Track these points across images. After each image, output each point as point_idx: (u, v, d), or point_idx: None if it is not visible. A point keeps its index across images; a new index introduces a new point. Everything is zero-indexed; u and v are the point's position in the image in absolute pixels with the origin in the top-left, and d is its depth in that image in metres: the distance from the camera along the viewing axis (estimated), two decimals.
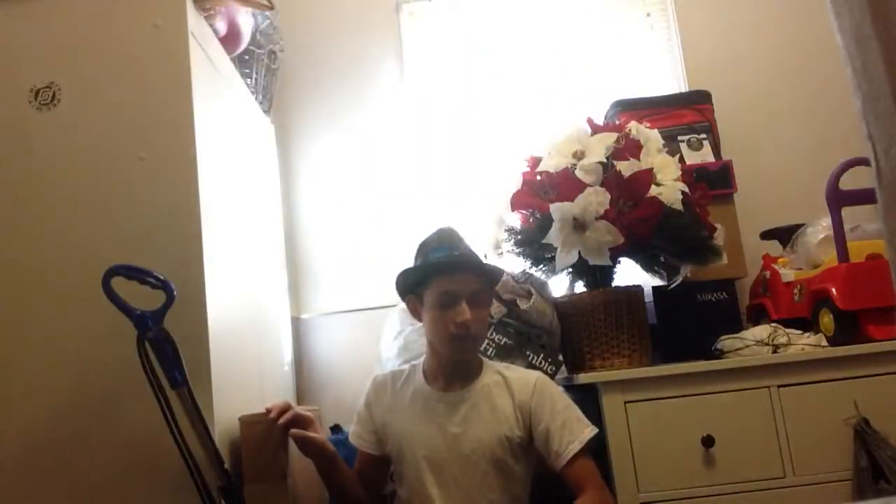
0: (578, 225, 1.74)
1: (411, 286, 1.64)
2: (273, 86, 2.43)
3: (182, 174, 1.58)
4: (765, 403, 1.72)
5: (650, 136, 1.92)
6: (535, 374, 1.65)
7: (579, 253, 1.75)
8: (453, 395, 1.62)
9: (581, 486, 1.51)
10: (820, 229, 1.97)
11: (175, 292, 1.41)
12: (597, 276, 1.90)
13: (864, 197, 1.83)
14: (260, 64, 2.25)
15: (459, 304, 1.55)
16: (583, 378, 1.78)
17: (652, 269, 1.92)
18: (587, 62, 2.62)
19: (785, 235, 2.14)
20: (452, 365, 1.63)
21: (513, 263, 1.97)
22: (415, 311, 1.66)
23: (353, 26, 2.68)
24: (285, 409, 1.56)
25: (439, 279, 1.57)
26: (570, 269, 1.92)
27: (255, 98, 2.26)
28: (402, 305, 1.74)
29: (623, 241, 1.73)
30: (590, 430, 1.56)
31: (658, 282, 1.99)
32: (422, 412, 1.62)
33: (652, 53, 2.63)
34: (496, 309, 1.90)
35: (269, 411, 1.54)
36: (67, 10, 1.68)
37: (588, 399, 1.74)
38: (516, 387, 1.61)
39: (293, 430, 1.54)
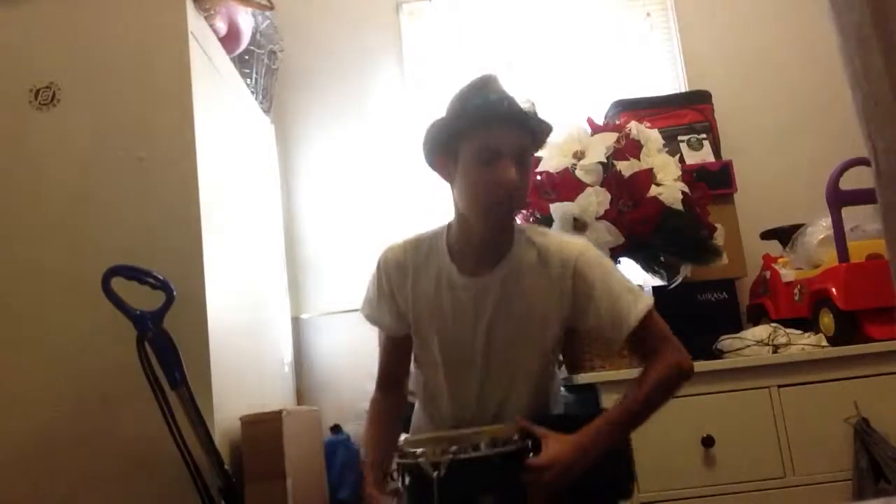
0: (578, 225, 1.74)
1: (444, 142, 1.35)
2: (273, 86, 2.43)
3: (182, 174, 1.59)
4: (765, 403, 1.72)
5: (650, 136, 1.92)
6: (577, 249, 1.38)
7: None
8: (482, 280, 1.37)
9: (650, 354, 1.34)
10: (820, 229, 1.97)
11: (175, 292, 1.41)
12: None
13: (864, 197, 1.83)
14: (260, 64, 2.26)
15: (503, 161, 1.28)
16: (583, 378, 1.78)
17: (652, 269, 1.92)
18: (587, 62, 2.62)
19: (785, 235, 2.14)
20: (484, 241, 1.37)
21: None
22: (444, 171, 1.38)
23: (353, 26, 2.68)
24: None
25: (480, 132, 1.30)
26: None
27: (255, 98, 2.26)
28: None
29: (623, 241, 1.73)
30: (644, 304, 1.33)
31: (658, 282, 1.99)
32: (448, 298, 1.39)
33: (652, 53, 2.63)
34: None
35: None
36: (67, 10, 1.68)
37: (588, 399, 1.74)
38: (555, 264, 1.37)
39: None
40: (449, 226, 1.43)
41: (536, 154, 1.50)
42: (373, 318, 1.48)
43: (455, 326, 1.38)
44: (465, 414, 1.39)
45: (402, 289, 1.42)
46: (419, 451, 1.22)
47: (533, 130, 1.34)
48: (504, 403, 1.38)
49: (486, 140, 1.29)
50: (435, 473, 1.18)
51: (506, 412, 1.37)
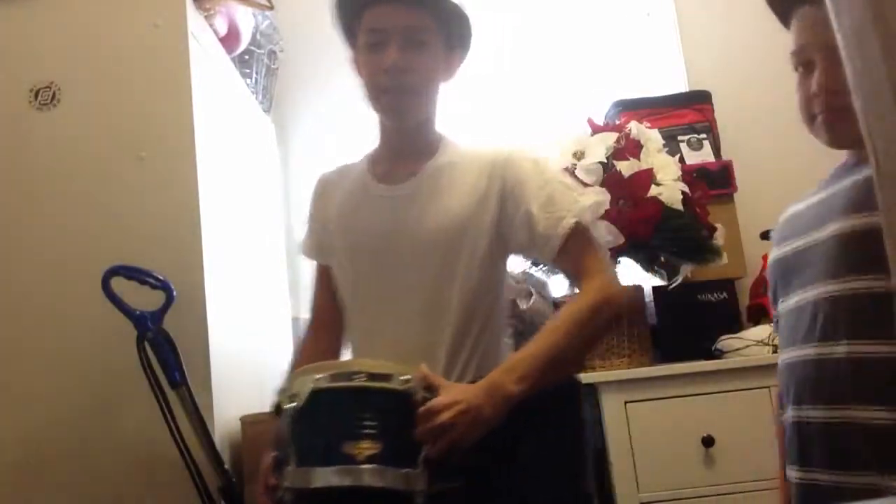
0: None
1: (346, 39, 1.32)
2: (273, 86, 2.43)
3: (182, 174, 1.59)
4: (765, 403, 1.72)
5: (650, 136, 1.92)
6: (510, 147, 1.27)
7: None
8: (400, 187, 1.26)
9: (582, 274, 1.18)
10: None
11: (175, 292, 1.41)
12: None
13: None
14: (260, 64, 2.26)
15: (389, 44, 1.20)
16: (583, 378, 1.78)
17: (652, 269, 1.92)
18: (587, 62, 2.61)
19: None
20: (397, 139, 1.28)
21: (513, 263, 1.97)
22: (357, 67, 1.32)
23: None
24: None
25: (364, 13, 1.24)
26: None
27: (255, 98, 2.26)
28: None
29: (623, 241, 1.73)
30: (586, 199, 1.22)
31: (658, 282, 1.99)
32: (362, 209, 1.28)
33: (652, 53, 2.63)
34: None
35: None
36: (67, 10, 1.69)
37: (588, 399, 1.74)
38: (481, 162, 1.24)
39: None
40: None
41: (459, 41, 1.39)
42: (305, 251, 1.38)
43: (370, 240, 1.24)
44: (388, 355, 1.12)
45: (325, 207, 1.34)
46: (285, 384, 1.00)
47: (431, 6, 1.24)
48: (435, 349, 1.15)
49: (371, 23, 1.23)
50: (290, 405, 0.94)
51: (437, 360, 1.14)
